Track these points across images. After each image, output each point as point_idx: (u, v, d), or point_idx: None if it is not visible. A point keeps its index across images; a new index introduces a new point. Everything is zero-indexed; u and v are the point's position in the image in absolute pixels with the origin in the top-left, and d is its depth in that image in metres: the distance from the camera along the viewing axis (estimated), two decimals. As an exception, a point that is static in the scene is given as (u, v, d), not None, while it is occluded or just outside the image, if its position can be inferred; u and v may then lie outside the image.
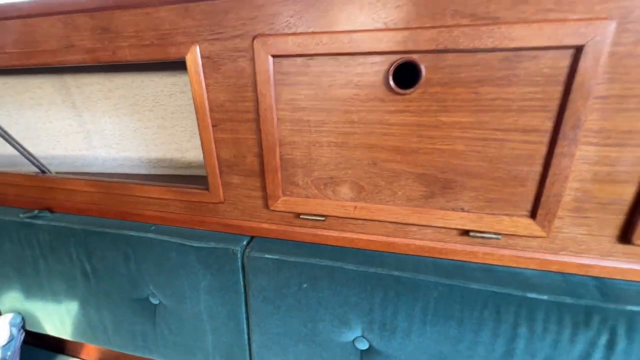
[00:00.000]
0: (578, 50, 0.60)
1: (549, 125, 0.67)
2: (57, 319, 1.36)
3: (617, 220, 0.72)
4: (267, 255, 0.94)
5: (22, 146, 1.24)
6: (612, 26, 0.57)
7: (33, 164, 1.28)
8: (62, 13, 0.87)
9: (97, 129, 1.69)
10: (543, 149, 0.69)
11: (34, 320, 1.43)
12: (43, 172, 1.29)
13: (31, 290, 1.35)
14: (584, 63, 0.60)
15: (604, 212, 0.72)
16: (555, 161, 0.68)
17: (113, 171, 1.77)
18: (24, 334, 1.47)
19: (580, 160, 0.68)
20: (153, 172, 1.70)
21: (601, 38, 0.58)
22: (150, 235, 1.06)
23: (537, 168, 0.71)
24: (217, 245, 0.99)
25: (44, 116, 1.64)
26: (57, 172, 1.47)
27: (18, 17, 0.92)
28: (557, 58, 0.62)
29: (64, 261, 1.21)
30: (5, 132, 1.19)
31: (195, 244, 1.00)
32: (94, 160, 1.75)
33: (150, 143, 1.59)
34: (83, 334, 1.35)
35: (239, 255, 0.97)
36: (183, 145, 1.53)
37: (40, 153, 1.75)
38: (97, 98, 1.57)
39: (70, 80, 1.53)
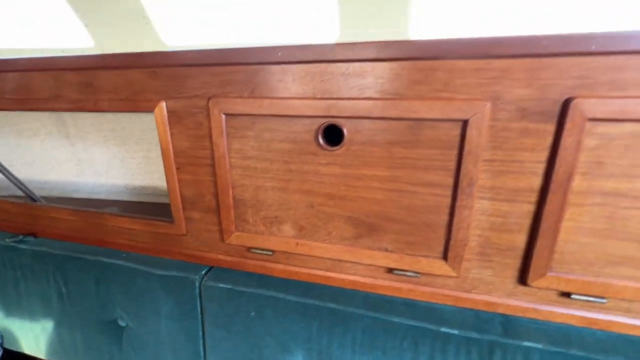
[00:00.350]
0: (465, 123, 0.72)
1: (450, 181, 0.78)
2: (33, 337, 1.44)
3: (515, 264, 0.82)
4: (220, 285, 1.04)
5: (12, 175, 1.37)
6: (488, 106, 0.70)
7: (23, 192, 1.40)
8: (53, 69, 1.03)
9: (88, 158, 1.83)
10: (447, 201, 0.80)
11: (12, 338, 1.51)
12: (33, 199, 1.41)
13: (11, 309, 1.44)
14: (470, 133, 0.73)
15: (504, 257, 0.82)
16: (457, 212, 0.79)
17: (100, 197, 1.89)
18: (1, 352, 1.54)
19: (479, 212, 0.79)
20: (136, 199, 1.83)
21: (481, 115, 0.71)
22: (120, 262, 1.16)
23: (444, 217, 0.82)
24: (178, 274, 1.09)
25: (40, 145, 1.79)
26: (46, 198, 1.59)
27: (17, 70, 1.08)
28: (450, 128, 0.74)
29: (42, 283, 1.30)
30: None
31: (158, 272, 1.10)
32: (83, 186, 1.88)
33: (136, 172, 1.73)
34: (55, 352, 1.42)
35: (196, 284, 1.07)
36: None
37: (35, 178, 1.89)
38: (89, 130, 1.72)
39: (66, 114, 1.69)
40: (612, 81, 0.63)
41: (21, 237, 1.35)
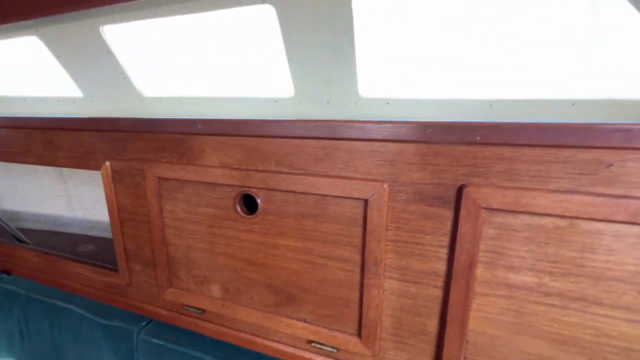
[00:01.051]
0: (365, 202, 0.72)
1: (357, 258, 0.76)
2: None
3: (429, 350, 0.76)
4: (154, 340, 1.04)
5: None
6: (386, 187, 0.69)
7: (8, 231, 1.51)
8: (24, 128, 1.14)
9: (78, 194, 1.96)
10: (357, 278, 0.78)
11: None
12: (18, 240, 1.52)
13: (-17, 342, 1.51)
14: (371, 213, 0.71)
15: (418, 341, 0.77)
16: (366, 290, 0.77)
17: (86, 232, 1.99)
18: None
19: (389, 291, 0.76)
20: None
21: (379, 195, 0.70)
22: (72, 307, 1.20)
23: (356, 293, 0.79)
24: (119, 325, 1.11)
25: (37, 181, 1.94)
26: (37, 231, 1.70)
27: None
28: (354, 206, 0.74)
29: (8, 321, 1.37)
30: None
31: (102, 321, 1.13)
32: (72, 220, 2.00)
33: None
34: (17, 390, 1.46)
35: (134, 337, 1.08)
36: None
37: (30, 211, 2.03)
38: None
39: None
40: (505, 171, 0.61)
41: (-5, 274, 1.44)
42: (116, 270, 1.14)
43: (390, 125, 0.66)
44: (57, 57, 1.17)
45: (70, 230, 1.96)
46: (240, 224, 0.87)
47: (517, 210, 0.61)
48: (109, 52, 1.08)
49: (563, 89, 0.85)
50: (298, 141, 0.75)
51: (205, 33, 1.15)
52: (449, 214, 0.66)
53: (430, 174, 0.66)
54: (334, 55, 0.92)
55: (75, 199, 1.94)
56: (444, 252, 0.69)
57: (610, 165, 0.53)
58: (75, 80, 1.25)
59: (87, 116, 1.12)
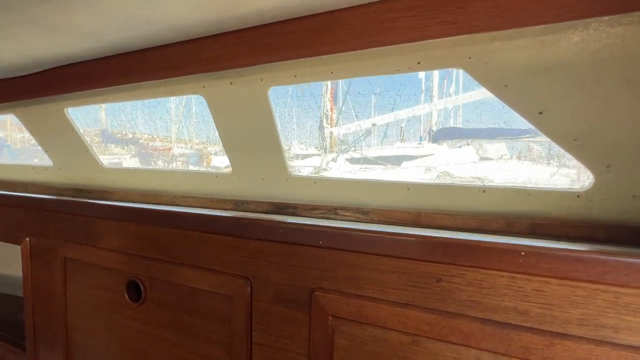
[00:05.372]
0: (230, 299, 0.69)
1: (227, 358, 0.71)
2: None
3: None
4: None
5: None
6: (248, 285, 0.67)
7: None
8: None
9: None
10: None
11: None
12: None
13: None
14: (234, 310, 0.68)
15: None
16: None
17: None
18: None
19: None
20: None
21: (243, 293, 0.68)
22: None
23: None
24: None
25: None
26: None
27: None
28: (221, 301, 0.71)
29: None
30: None
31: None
32: (6, 279, 1.96)
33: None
34: None
35: None
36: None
37: None
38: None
39: None
40: (349, 278, 0.58)
41: None
42: (23, 348, 1.06)
43: (252, 222, 0.67)
44: (31, 131, 1.30)
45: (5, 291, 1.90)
46: (129, 311, 0.84)
47: (362, 321, 0.57)
48: (72, 129, 1.20)
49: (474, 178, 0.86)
50: (178, 232, 0.76)
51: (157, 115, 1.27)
52: (305, 318, 0.62)
53: (289, 275, 0.64)
54: (261, 138, 0.99)
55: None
56: None
57: (440, 279, 0.51)
58: (46, 151, 1.37)
59: (58, 184, 1.20)
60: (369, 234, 0.54)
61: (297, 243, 0.61)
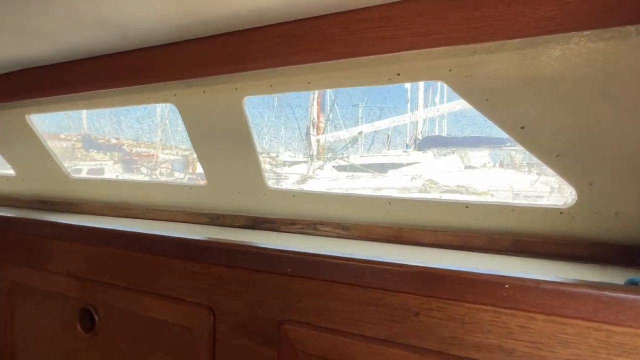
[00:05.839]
0: (191, 331, 0.63)
1: None
2: None
3: None
4: None
5: None
6: (210, 315, 0.61)
7: None
8: None
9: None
10: None
11: None
12: None
13: None
14: (197, 344, 0.62)
15: None
16: None
17: None
18: None
19: None
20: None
21: (205, 324, 0.61)
22: None
23: None
24: None
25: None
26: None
27: None
28: (181, 333, 0.65)
29: None
30: None
31: None
32: None
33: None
34: None
35: None
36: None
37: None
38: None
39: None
40: (320, 310, 0.53)
41: None
42: None
43: (212, 245, 0.61)
44: (-9, 139, 1.21)
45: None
46: (82, 343, 0.76)
47: (336, 359, 0.52)
48: (35, 136, 1.12)
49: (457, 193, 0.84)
50: (134, 254, 0.69)
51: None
52: (272, 354, 0.56)
53: (252, 306, 0.58)
54: (237, 149, 0.94)
55: None
56: None
57: (418, 313, 0.46)
58: (8, 160, 1.28)
59: (21, 195, 1.10)
60: (340, 260, 0.50)
61: (262, 270, 0.56)
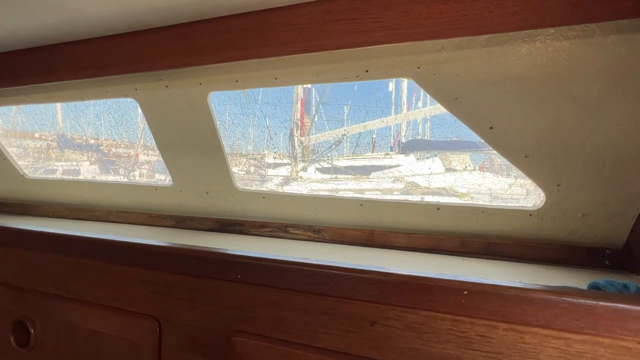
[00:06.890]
0: (134, 345, 0.58)
1: None
2: None
3: None
4: None
5: None
6: (157, 327, 0.57)
7: None
8: None
9: None
10: None
11: None
12: None
13: None
14: (141, 359, 0.57)
15: None
16: None
17: None
18: None
19: None
20: None
21: (151, 338, 0.57)
22: None
23: None
24: None
25: None
26: None
27: None
28: (125, 348, 0.60)
29: None
30: None
31: None
32: None
33: None
34: None
35: None
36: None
37: None
38: None
39: None
40: (272, 320, 0.50)
41: None
42: None
43: (159, 250, 0.56)
44: (-63, 135, 1.12)
45: None
46: (15, 358, 0.69)
47: None
48: None
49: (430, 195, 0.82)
50: (74, 260, 0.63)
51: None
52: None
53: (201, 316, 0.54)
54: (203, 148, 0.89)
55: None
56: None
57: (374, 322, 0.43)
58: None
59: None
60: (292, 266, 0.46)
61: (212, 277, 0.52)
